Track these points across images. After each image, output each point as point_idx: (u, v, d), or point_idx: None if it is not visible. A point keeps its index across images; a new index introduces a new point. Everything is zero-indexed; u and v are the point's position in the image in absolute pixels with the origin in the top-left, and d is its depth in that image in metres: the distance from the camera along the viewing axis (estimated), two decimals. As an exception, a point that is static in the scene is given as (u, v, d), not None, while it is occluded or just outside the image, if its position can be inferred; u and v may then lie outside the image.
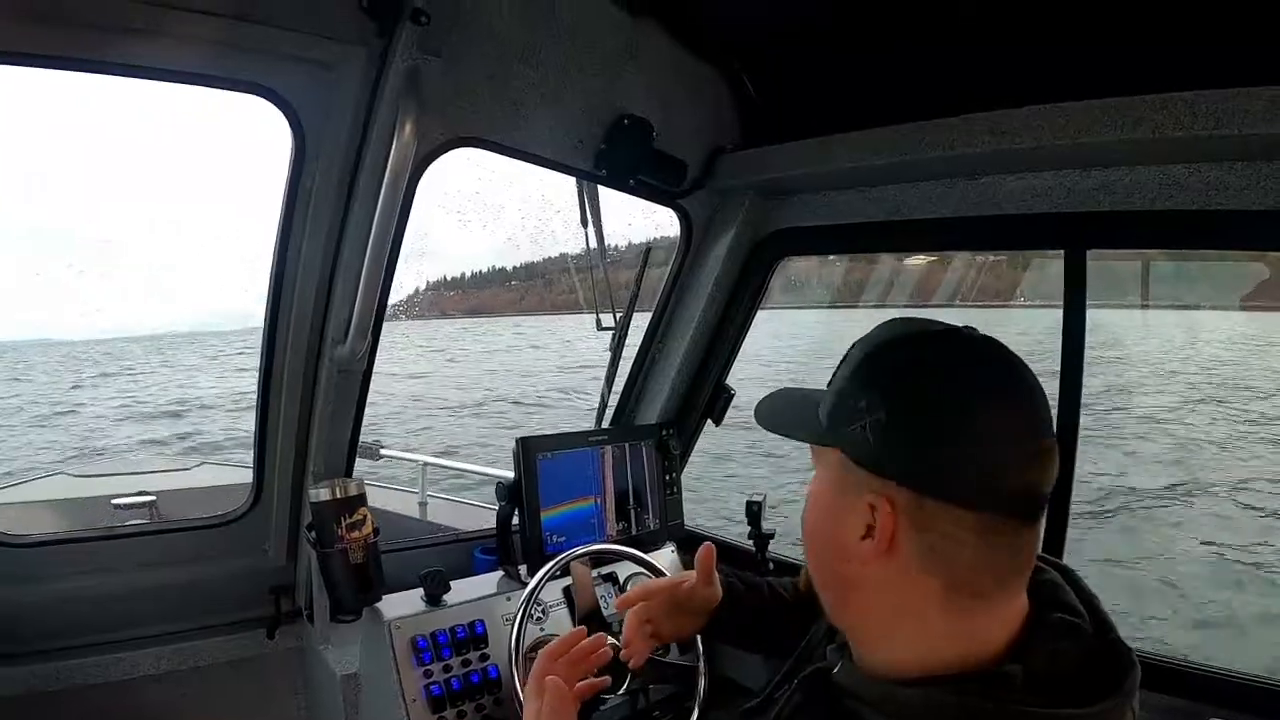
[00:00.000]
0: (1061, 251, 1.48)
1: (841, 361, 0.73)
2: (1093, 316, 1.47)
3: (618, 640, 1.35)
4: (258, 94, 1.21)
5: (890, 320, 0.73)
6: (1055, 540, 1.47)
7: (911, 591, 0.65)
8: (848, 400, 0.67)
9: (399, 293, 1.48)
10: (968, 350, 0.67)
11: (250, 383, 1.57)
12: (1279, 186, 1.19)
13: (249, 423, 1.66)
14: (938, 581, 0.64)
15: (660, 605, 1.15)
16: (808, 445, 0.75)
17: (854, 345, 0.73)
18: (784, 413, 0.79)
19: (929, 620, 0.65)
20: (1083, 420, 1.49)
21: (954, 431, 0.62)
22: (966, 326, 0.69)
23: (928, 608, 0.65)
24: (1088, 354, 1.48)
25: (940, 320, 0.70)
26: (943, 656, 0.65)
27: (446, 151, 1.42)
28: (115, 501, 2.80)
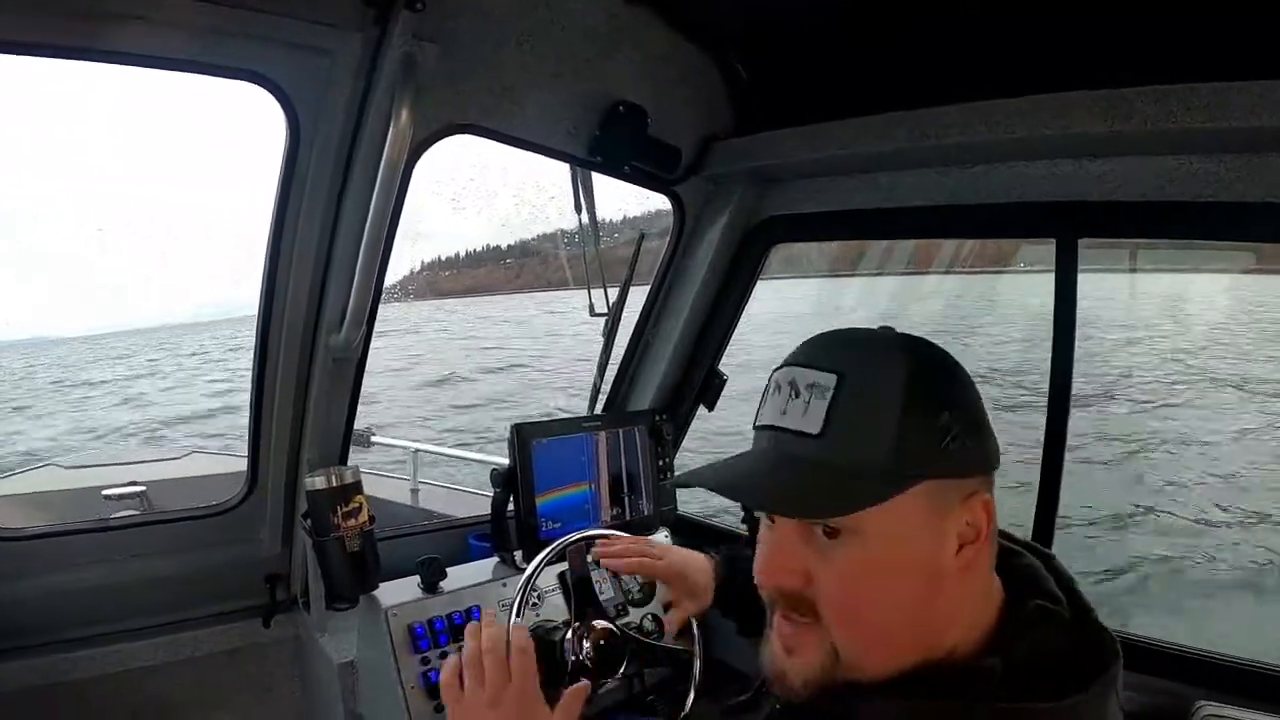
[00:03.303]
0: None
1: (837, 400, 0.64)
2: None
3: (611, 623, 1.37)
4: (252, 81, 1.19)
5: (840, 335, 0.70)
6: (1045, 528, 1.50)
7: (977, 584, 0.67)
8: (920, 428, 0.63)
9: (392, 274, 1.48)
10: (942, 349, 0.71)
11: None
12: (1269, 179, 1.20)
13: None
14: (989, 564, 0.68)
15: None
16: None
17: (849, 379, 0.64)
18: (812, 486, 0.64)
19: (964, 612, 0.66)
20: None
21: (985, 416, 0.69)
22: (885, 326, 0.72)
23: (975, 598, 0.67)
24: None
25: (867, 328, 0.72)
26: (935, 651, 0.64)
27: (442, 138, 1.41)
28: (106, 492, 2.78)
